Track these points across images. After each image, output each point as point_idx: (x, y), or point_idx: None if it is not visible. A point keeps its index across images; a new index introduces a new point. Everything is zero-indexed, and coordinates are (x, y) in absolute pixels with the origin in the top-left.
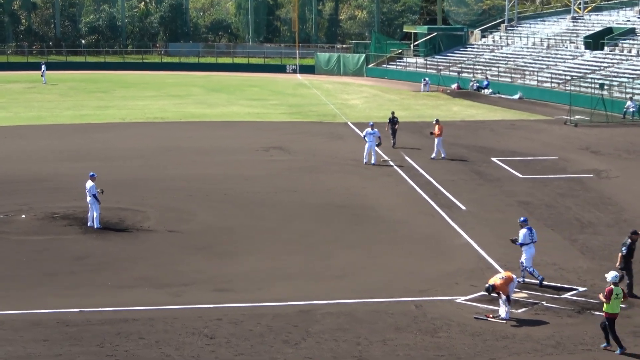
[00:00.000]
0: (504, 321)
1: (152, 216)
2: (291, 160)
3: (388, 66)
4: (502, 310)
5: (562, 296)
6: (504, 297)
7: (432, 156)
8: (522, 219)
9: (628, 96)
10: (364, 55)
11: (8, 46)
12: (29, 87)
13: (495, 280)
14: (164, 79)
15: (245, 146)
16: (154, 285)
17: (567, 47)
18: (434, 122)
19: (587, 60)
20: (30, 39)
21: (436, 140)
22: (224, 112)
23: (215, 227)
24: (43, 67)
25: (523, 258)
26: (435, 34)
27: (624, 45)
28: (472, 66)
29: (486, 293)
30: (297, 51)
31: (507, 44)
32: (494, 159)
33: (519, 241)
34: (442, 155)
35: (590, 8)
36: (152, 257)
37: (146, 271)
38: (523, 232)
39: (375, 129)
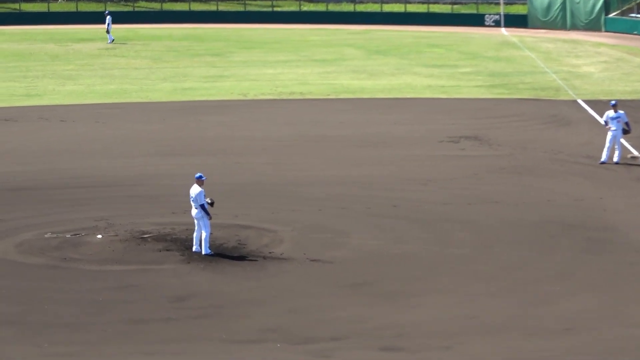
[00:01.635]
0: None
1: (286, 238)
2: (492, 156)
3: (639, 16)
4: None
5: None
6: None
7: None
8: None
9: None
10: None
11: None
12: (108, 49)
13: None
14: (304, 35)
15: (423, 135)
16: (288, 339)
17: None
18: None
19: None
20: None
21: None
22: (393, 84)
23: (380, 254)
24: (108, 19)
25: None
26: None
27: None
28: None
29: None
30: None
31: None
32: None
33: None
34: None
35: None
36: (286, 298)
37: (277, 319)
38: None
39: (621, 111)
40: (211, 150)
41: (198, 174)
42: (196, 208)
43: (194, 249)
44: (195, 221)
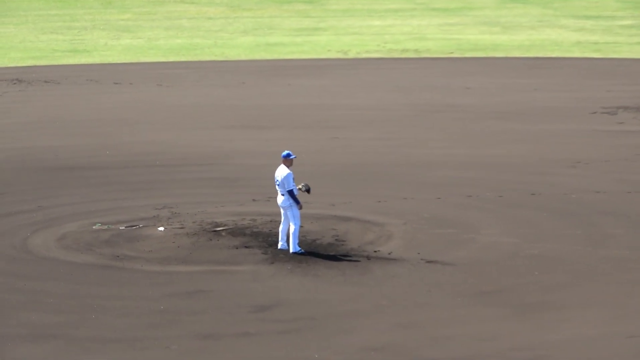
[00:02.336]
0: None
1: (396, 233)
2: None
3: None
4: None
5: None
6: None
7: None
8: None
9: None
10: None
11: None
12: None
13: None
14: None
15: (571, 105)
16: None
17: None
18: None
19: None
20: None
21: None
22: (533, 40)
23: (515, 255)
24: None
25: None
26: None
27: None
28: None
29: None
30: None
31: None
32: None
33: None
34: None
35: None
36: (395, 309)
37: (384, 335)
38: None
39: None
40: (302, 123)
41: (285, 152)
42: (283, 194)
43: (279, 245)
44: (282, 211)
